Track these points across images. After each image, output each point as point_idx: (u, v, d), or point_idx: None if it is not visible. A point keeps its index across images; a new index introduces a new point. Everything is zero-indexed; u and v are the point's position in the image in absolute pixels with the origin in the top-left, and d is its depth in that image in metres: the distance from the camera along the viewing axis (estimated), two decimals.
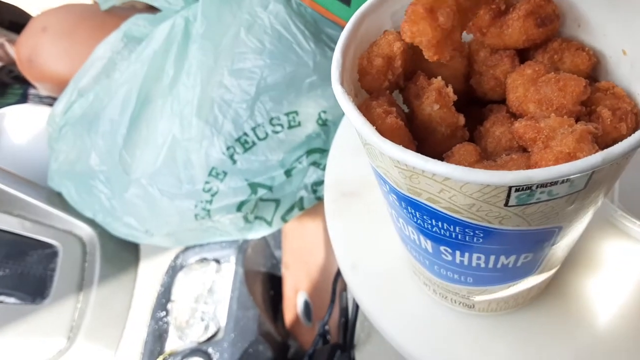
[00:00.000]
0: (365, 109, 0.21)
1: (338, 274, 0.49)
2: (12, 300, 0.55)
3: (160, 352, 0.58)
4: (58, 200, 0.61)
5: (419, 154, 0.17)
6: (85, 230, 0.61)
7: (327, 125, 0.49)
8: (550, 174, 0.16)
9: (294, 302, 0.60)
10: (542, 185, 0.17)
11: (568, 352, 0.26)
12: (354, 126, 0.19)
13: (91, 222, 0.61)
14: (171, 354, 0.57)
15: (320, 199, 0.53)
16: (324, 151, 0.50)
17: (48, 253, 0.59)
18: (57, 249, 0.59)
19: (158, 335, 0.59)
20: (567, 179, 0.17)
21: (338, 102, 0.19)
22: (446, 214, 0.19)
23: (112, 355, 0.59)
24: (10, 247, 0.58)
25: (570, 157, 0.18)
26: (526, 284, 0.25)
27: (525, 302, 0.28)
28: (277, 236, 0.65)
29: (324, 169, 0.51)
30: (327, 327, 0.49)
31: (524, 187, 0.17)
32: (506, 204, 0.18)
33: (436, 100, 0.22)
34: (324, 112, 0.49)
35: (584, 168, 0.16)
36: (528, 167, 0.19)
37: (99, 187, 0.54)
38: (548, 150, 0.19)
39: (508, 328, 0.28)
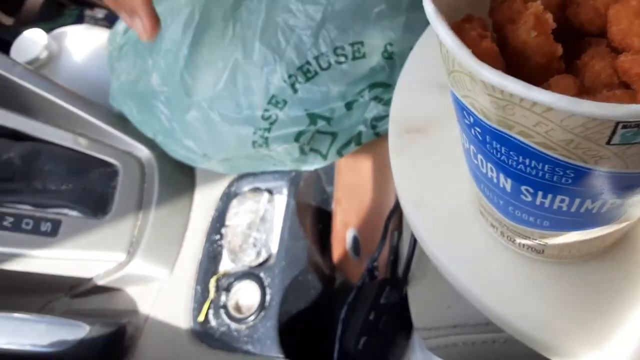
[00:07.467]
0: (457, 32, 0.19)
1: (392, 212, 0.49)
2: (75, 213, 0.58)
3: (215, 273, 0.60)
4: (117, 120, 0.63)
5: (520, 81, 0.16)
6: (143, 152, 0.63)
7: (393, 59, 0.47)
8: None
9: (343, 236, 0.61)
10: None
11: None
12: (447, 49, 0.18)
13: (149, 144, 0.62)
14: (224, 275, 0.60)
15: (378, 135, 0.52)
16: (387, 86, 0.48)
17: (109, 172, 0.61)
18: (118, 168, 0.61)
19: (212, 257, 0.61)
20: None
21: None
22: (538, 150, 0.18)
23: (169, 271, 0.62)
24: (73, 164, 0.61)
25: None
26: (605, 231, 0.24)
27: (597, 253, 0.27)
28: (329, 171, 0.65)
29: (385, 104, 0.49)
30: (375, 264, 0.49)
31: (633, 123, 0.16)
32: (608, 142, 0.17)
33: (534, 27, 0.20)
34: (390, 44, 0.46)
35: None
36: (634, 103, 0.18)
37: (160, 108, 0.55)
38: None
39: (577, 278, 0.26)
